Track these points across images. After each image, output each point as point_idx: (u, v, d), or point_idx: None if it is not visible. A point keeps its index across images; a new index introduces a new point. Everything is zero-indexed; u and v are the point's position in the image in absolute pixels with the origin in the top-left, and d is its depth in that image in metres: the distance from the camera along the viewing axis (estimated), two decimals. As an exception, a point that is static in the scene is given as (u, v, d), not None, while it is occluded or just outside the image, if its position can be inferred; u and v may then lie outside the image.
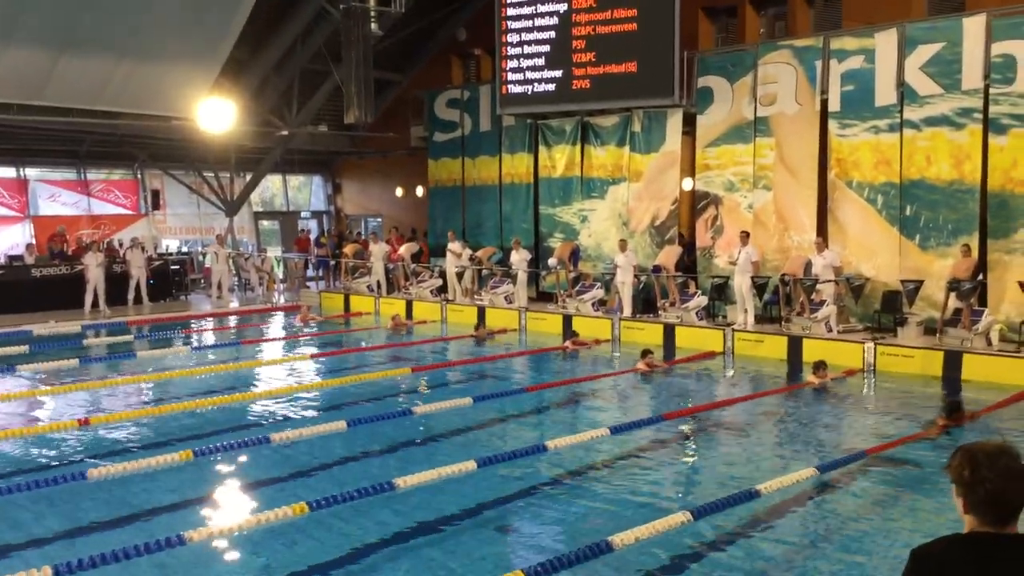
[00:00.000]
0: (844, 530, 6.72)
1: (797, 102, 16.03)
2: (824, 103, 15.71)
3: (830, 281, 14.53)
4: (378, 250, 21.54)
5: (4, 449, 8.81)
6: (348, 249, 22.26)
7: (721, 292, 16.09)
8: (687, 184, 17.82)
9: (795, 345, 13.90)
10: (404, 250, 21.17)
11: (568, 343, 14.92)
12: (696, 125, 17.45)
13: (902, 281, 14.36)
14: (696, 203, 17.65)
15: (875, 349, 13.16)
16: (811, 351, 13.23)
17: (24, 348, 14.50)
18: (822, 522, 6.96)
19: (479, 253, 19.80)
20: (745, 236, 15.65)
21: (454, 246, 19.99)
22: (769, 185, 16.46)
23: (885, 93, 14.94)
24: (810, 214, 15.98)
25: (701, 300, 15.80)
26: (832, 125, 15.59)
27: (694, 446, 9.25)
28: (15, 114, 18.34)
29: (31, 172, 23.35)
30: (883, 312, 14.69)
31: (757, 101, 16.50)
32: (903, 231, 14.82)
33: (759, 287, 15.41)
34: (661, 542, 6.25)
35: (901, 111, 14.77)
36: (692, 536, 6.42)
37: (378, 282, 20.99)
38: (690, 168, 17.77)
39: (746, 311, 15.16)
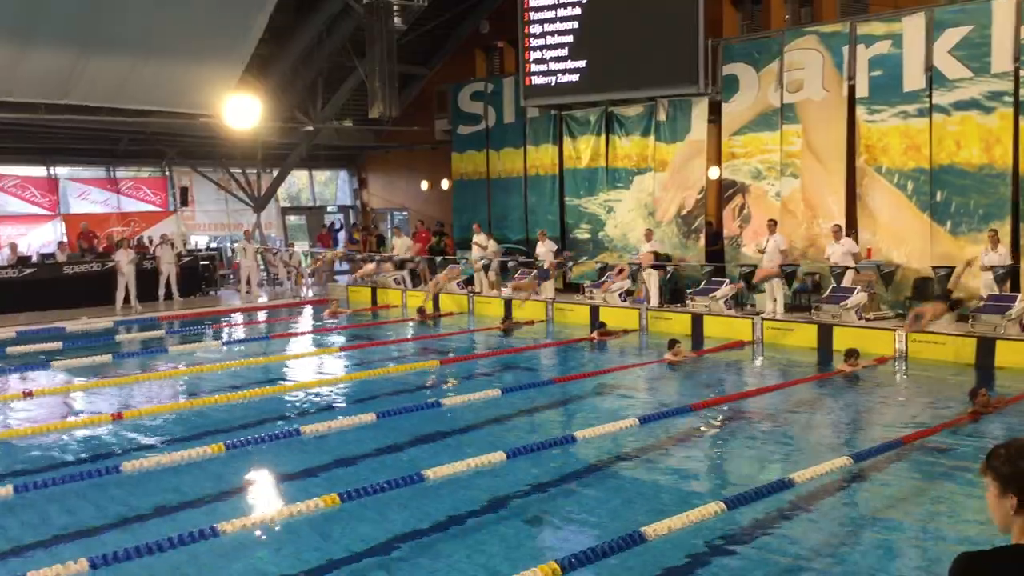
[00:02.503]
0: (878, 519, 6.66)
1: (824, 88, 15.87)
2: (852, 89, 15.54)
3: (850, 268, 14.39)
4: (401, 244, 21.66)
5: (40, 444, 8.93)
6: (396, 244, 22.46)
7: (748, 280, 15.97)
8: (713, 173, 17.70)
9: (825, 333, 13.78)
10: (399, 246, 21.81)
11: (595, 334, 14.89)
12: (721, 113, 17.32)
13: (933, 267, 14.20)
14: (723, 192, 17.53)
15: (906, 336, 13.02)
16: (842, 339, 13.11)
17: (57, 344, 14.70)
18: (856, 511, 6.91)
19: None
20: (773, 224, 15.54)
21: (479, 238, 20.01)
22: (796, 173, 16.32)
23: (913, 78, 14.75)
24: (839, 201, 15.82)
25: (729, 289, 15.70)
26: (860, 111, 15.42)
27: (725, 436, 9.20)
28: (44, 113, 18.56)
29: (61, 171, 23.63)
30: (914, 299, 14.52)
31: (783, 88, 16.35)
32: (934, 217, 14.64)
33: (788, 275, 15.29)
34: (694, 532, 6.23)
35: (930, 96, 14.58)
36: (725, 526, 6.39)
37: (404, 276, 21.07)
38: (716, 157, 17.65)
39: (775, 300, 15.06)
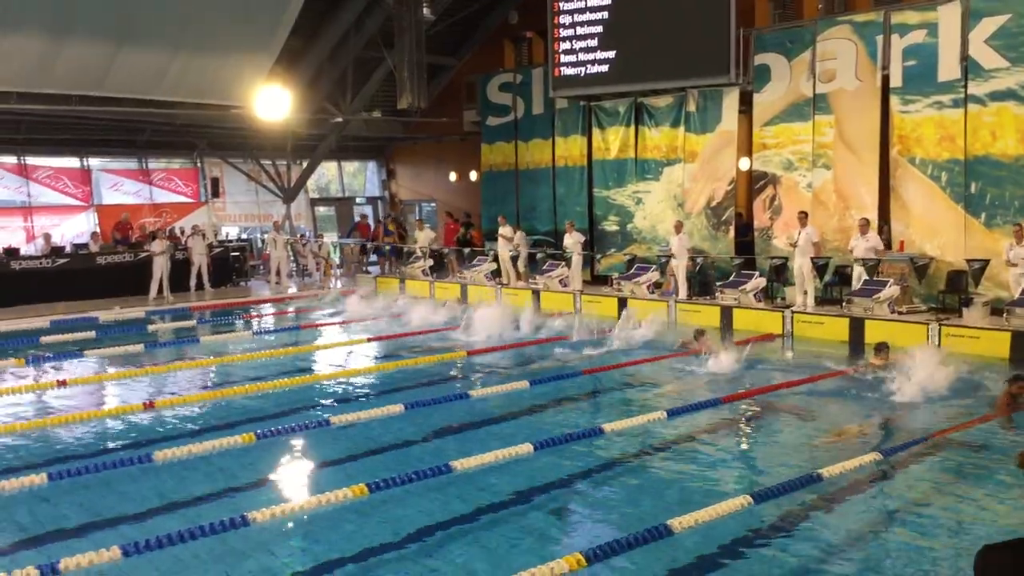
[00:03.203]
0: (908, 515, 6.59)
1: (857, 78, 15.67)
2: (885, 79, 15.34)
3: (874, 261, 14.26)
4: (423, 236, 21.76)
5: (73, 432, 9.06)
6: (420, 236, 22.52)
7: (780, 273, 15.85)
8: (744, 164, 17.56)
9: (857, 327, 13.64)
10: (422, 238, 21.71)
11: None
12: (753, 103, 17.17)
13: (967, 260, 14.00)
14: (753, 183, 17.39)
15: (940, 330, 12.85)
16: (873, 333, 12.97)
17: (91, 334, 14.90)
18: (886, 507, 6.84)
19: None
20: (804, 217, 15.37)
21: (505, 230, 20.01)
22: (829, 164, 16.15)
23: (949, 68, 14.53)
24: (871, 192, 15.64)
25: (759, 281, 15.58)
26: (894, 101, 15.22)
27: (754, 429, 9.14)
28: (77, 105, 18.79)
29: (94, 162, 23.92)
30: (948, 292, 14.34)
31: (816, 78, 16.17)
32: (968, 209, 14.43)
33: (819, 268, 15.15)
34: (721, 526, 6.20)
35: (965, 86, 14.36)
36: (753, 520, 6.36)
37: (431, 267, 21.15)
38: (747, 147, 17.50)
39: (806, 292, 14.94)
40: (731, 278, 16.14)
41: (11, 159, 22.25)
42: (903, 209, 15.22)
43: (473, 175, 24.01)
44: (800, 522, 6.40)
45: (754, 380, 11.02)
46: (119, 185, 24.19)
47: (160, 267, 19.12)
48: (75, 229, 22.72)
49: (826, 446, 8.33)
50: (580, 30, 18.68)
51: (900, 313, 13.93)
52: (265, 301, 19.66)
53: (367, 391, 10.96)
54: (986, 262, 13.64)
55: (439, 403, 9.92)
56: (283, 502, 6.90)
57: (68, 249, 20.37)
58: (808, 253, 14.91)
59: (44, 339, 14.51)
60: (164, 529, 6.13)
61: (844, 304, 14.44)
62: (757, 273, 15.91)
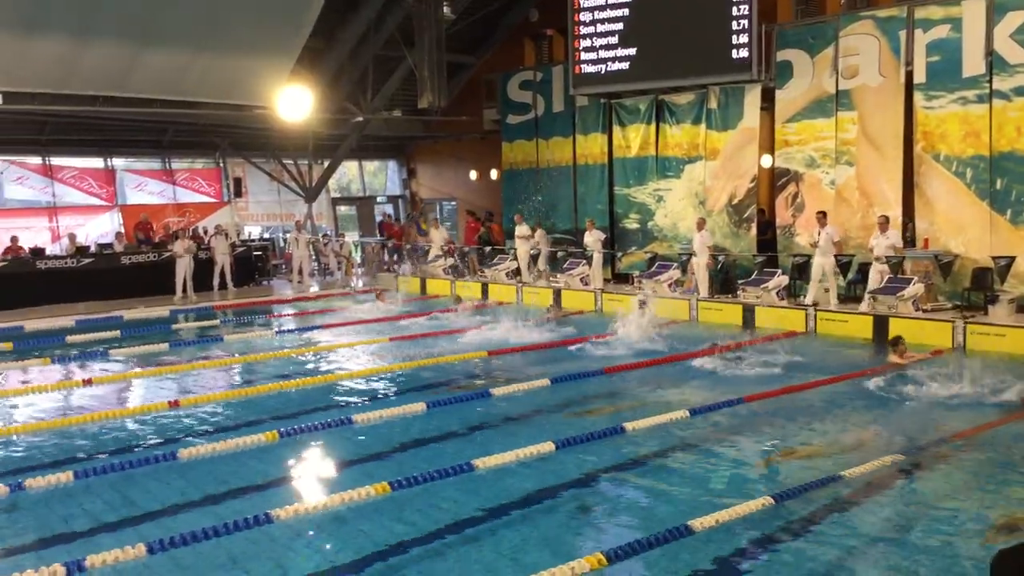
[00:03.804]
0: (930, 517, 6.52)
1: (881, 74, 15.54)
2: (909, 74, 15.20)
3: (897, 258, 14.16)
4: (438, 235, 21.84)
5: (99, 430, 9.16)
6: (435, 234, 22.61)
7: (802, 271, 15.75)
8: (766, 161, 17.46)
9: (881, 324, 13.53)
10: (436, 237, 21.88)
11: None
12: (775, 100, 17.07)
13: (993, 258, 13.86)
14: (776, 180, 17.28)
15: (965, 328, 12.73)
16: (898, 331, 12.83)
17: (116, 333, 15.05)
18: (907, 508, 6.77)
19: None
20: (822, 216, 15.32)
21: (521, 229, 20.03)
22: (852, 160, 16.03)
23: (973, 63, 14.38)
24: (895, 189, 15.51)
25: (782, 280, 15.49)
26: (918, 97, 15.08)
27: (775, 428, 9.08)
28: (101, 105, 18.98)
29: (118, 162, 24.15)
30: (973, 290, 14.20)
31: (839, 74, 16.05)
32: (993, 205, 14.28)
33: (842, 266, 15.06)
34: (742, 526, 6.18)
35: (990, 81, 14.20)
36: (774, 520, 6.33)
37: (453, 265, 21.20)
38: (769, 144, 17.40)
39: (827, 290, 14.85)
40: (753, 276, 16.05)
41: (36, 159, 22.50)
42: (927, 206, 15.08)
43: (494, 173, 24.03)
44: (821, 523, 6.36)
45: (776, 379, 10.95)
46: (143, 185, 24.40)
47: (183, 267, 19.28)
48: (99, 229, 22.95)
49: (848, 445, 8.27)
50: (600, 27, 18.63)
51: (925, 311, 13.81)
52: (287, 300, 19.73)
53: (389, 389, 11.01)
54: (1012, 259, 13.49)
55: (461, 401, 9.95)
56: (306, 500, 6.95)
57: (93, 249, 20.57)
58: (829, 252, 14.83)
59: (70, 338, 14.67)
60: (189, 526, 6.19)
61: (868, 302, 14.32)
62: (780, 271, 15.82)
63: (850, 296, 15.41)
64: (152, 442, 8.70)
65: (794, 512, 6.47)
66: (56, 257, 19.70)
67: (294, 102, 19.59)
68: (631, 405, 10.02)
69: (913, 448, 8.00)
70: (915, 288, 13.78)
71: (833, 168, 16.28)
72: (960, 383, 10.14)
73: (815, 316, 14.39)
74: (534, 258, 19.68)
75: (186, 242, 19.55)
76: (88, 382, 11.34)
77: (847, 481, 7.02)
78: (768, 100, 17.28)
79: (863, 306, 14.32)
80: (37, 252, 19.61)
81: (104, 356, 13.33)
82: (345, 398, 10.51)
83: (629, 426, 8.67)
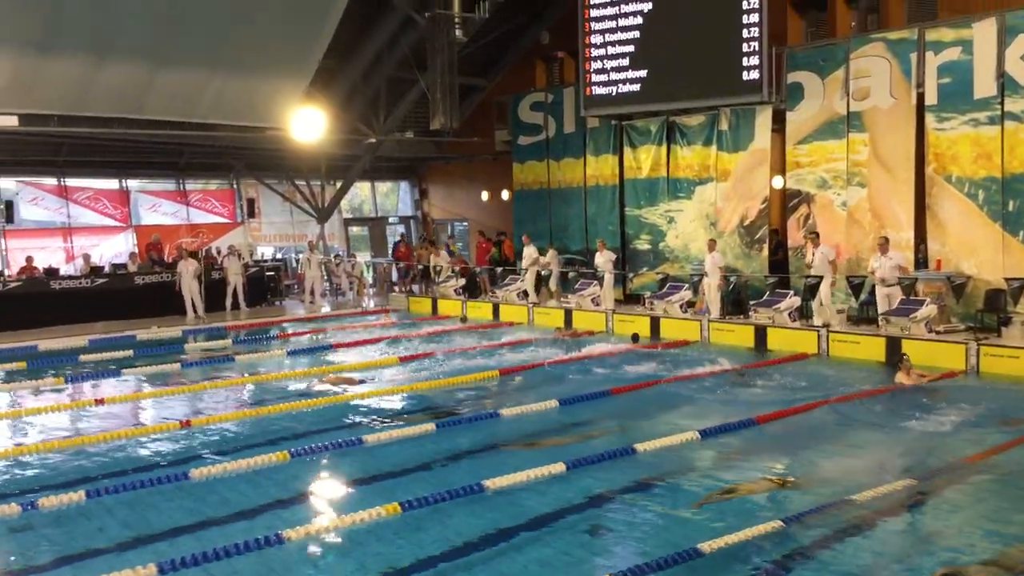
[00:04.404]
0: (942, 542, 6.47)
1: (892, 96, 15.56)
2: (920, 96, 15.21)
3: (904, 280, 14.17)
4: (442, 258, 22.04)
5: (111, 450, 9.20)
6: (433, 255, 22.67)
7: (814, 292, 15.70)
8: (777, 182, 17.47)
9: (893, 346, 13.47)
10: (443, 256, 22.25)
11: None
12: (786, 122, 17.10)
13: (1006, 279, 13.80)
14: (787, 202, 17.28)
15: (978, 350, 12.67)
16: (911, 353, 12.79)
17: (128, 353, 15.12)
18: (918, 533, 6.73)
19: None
20: (815, 237, 15.41)
21: (529, 250, 20.08)
22: (864, 182, 16.02)
23: (984, 85, 14.38)
24: (907, 211, 15.48)
25: (794, 300, 15.46)
26: (929, 119, 15.08)
27: (786, 450, 9.04)
28: (116, 127, 19.18)
29: (133, 183, 24.32)
30: (986, 311, 14.12)
31: (850, 96, 16.07)
32: (1006, 227, 14.23)
33: (854, 287, 15.03)
34: (751, 549, 6.15)
35: (1002, 103, 14.19)
36: (783, 544, 6.29)
37: (464, 286, 21.26)
38: (780, 166, 17.41)
39: (820, 304, 14.89)
40: (765, 297, 16.03)
41: (52, 181, 22.71)
42: (939, 228, 15.04)
43: (505, 194, 24.11)
44: (831, 547, 6.31)
45: (787, 401, 10.92)
46: (157, 206, 24.58)
47: (187, 287, 19.36)
48: (113, 249, 23.10)
49: (858, 469, 8.22)
50: (612, 49, 18.72)
51: (938, 332, 13.74)
52: (299, 320, 19.79)
53: (400, 410, 11.02)
54: (1025, 281, 13.44)
55: (471, 422, 9.96)
56: (317, 520, 6.95)
57: (107, 269, 20.70)
58: (826, 272, 14.85)
59: (83, 358, 14.76)
60: (200, 547, 6.21)
61: (881, 323, 14.27)
62: (792, 292, 15.79)
63: (862, 318, 15.36)
64: (164, 462, 8.74)
65: (804, 536, 6.44)
66: (70, 277, 19.83)
67: (307, 124, 19.74)
68: (640, 426, 10.00)
69: (925, 472, 7.95)
70: (928, 310, 13.73)
71: (845, 189, 16.27)
72: (974, 405, 10.09)
73: (827, 337, 14.34)
74: (544, 279, 19.70)
75: (191, 262, 19.64)
76: (100, 402, 11.40)
77: (858, 504, 6.98)
78: (779, 121, 17.31)
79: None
80: (52, 272, 19.75)
81: (117, 376, 13.39)
82: (356, 418, 10.52)
83: (640, 447, 8.66)
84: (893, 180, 15.66)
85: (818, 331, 14.51)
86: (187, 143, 22.25)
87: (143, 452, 9.15)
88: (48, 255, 21.63)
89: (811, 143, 16.70)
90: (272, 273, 23.00)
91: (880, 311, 14.45)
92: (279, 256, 26.26)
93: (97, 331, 17.26)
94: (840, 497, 7.10)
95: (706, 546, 5.99)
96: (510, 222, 23.51)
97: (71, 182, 22.97)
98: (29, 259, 20.14)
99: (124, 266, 21.02)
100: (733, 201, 17.94)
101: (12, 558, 6.37)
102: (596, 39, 18.89)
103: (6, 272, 20.14)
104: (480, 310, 19.84)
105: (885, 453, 8.87)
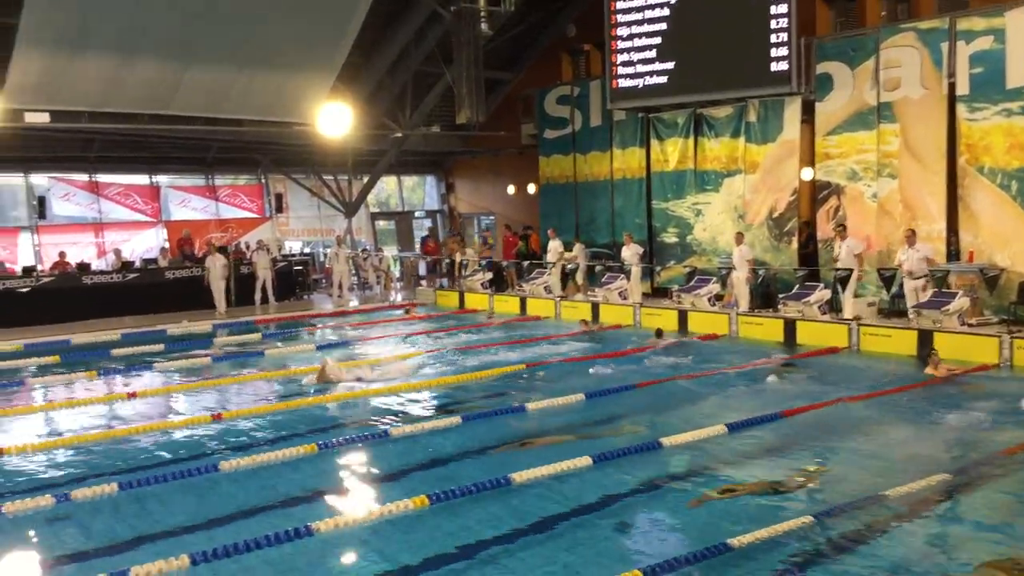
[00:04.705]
0: (976, 539, 6.39)
1: (923, 86, 15.36)
2: (952, 86, 15.00)
3: (936, 271, 13.97)
4: (472, 251, 22.10)
5: (143, 443, 9.31)
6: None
7: (845, 285, 15.55)
8: (807, 174, 17.30)
9: (925, 339, 13.32)
10: (470, 252, 22.20)
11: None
12: (815, 113, 16.94)
13: (1041, 271, 13.61)
14: (817, 193, 17.13)
15: (1012, 343, 12.48)
16: (943, 345, 12.65)
17: (160, 347, 15.29)
18: (952, 530, 6.65)
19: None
20: (842, 229, 15.28)
21: (555, 244, 20.05)
22: (894, 173, 15.84)
23: (1017, 74, 14.15)
24: (939, 202, 15.29)
25: (824, 293, 15.32)
26: (961, 109, 14.88)
27: (816, 445, 8.96)
28: (146, 123, 19.36)
29: (162, 179, 24.56)
30: (1020, 303, 13.92)
31: (880, 86, 15.89)
32: (1041, 218, 14.03)
33: (885, 280, 14.87)
34: (781, 544, 6.11)
35: (1036, 92, 13.98)
36: (814, 539, 6.24)
37: (491, 280, 21.28)
38: (809, 157, 17.25)
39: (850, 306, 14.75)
40: (794, 290, 15.90)
41: (83, 176, 22.98)
42: (972, 219, 14.85)
43: (531, 188, 24.09)
44: (863, 543, 6.25)
45: (816, 395, 10.82)
46: (187, 201, 24.80)
47: (215, 282, 19.52)
48: (144, 244, 23.35)
49: (891, 464, 8.14)
50: (638, 41, 18.63)
51: (970, 325, 13.57)
52: (327, 314, 19.89)
53: (426, 403, 11.06)
54: (1060, 273, 13.23)
55: (498, 415, 9.97)
56: (345, 512, 6.99)
57: (138, 264, 20.93)
58: (852, 265, 14.72)
59: (115, 352, 14.94)
60: (230, 538, 6.26)
61: (912, 316, 14.11)
62: (822, 285, 15.64)
63: (894, 311, 15.20)
64: (194, 454, 8.82)
65: (835, 531, 6.38)
66: (102, 272, 20.08)
67: (334, 119, 19.82)
68: (667, 420, 9.97)
69: (958, 466, 7.85)
70: (960, 302, 13.56)
71: (875, 181, 16.09)
72: (1008, 398, 9.96)
73: (858, 331, 14.20)
74: (571, 273, 19.67)
75: (219, 257, 19.80)
76: (132, 395, 11.54)
77: (890, 500, 6.91)
78: (808, 113, 17.15)
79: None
80: (83, 267, 20.01)
81: (148, 369, 13.54)
82: (383, 411, 10.56)
83: (666, 441, 8.62)
84: (924, 171, 15.47)
85: (849, 325, 14.37)
86: (215, 139, 22.43)
87: (174, 444, 9.24)
88: (80, 250, 21.90)
89: (841, 134, 16.54)
90: (300, 267, 23.15)
91: (909, 304, 14.30)
92: (307, 250, 26.41)
93: (128, 325, 17.46)
94: (873, 492, 7.03)
95: (736, 541, 5.95)
96: (536, 216, 23.49)
97: (102, 178, 23.24)
98: (62, 254, 20.41)
99: (155, 261, 21.25)
100: (762, 193, 17.81)
101: (45, 549, 6.46)
102: (622, 31, 18.80)
103: (39, 267, 20.42)
104: (507, 304, 19.86)
105: (918, 447, 8.77)
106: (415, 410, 10.66)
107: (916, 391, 11.02)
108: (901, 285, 14.89)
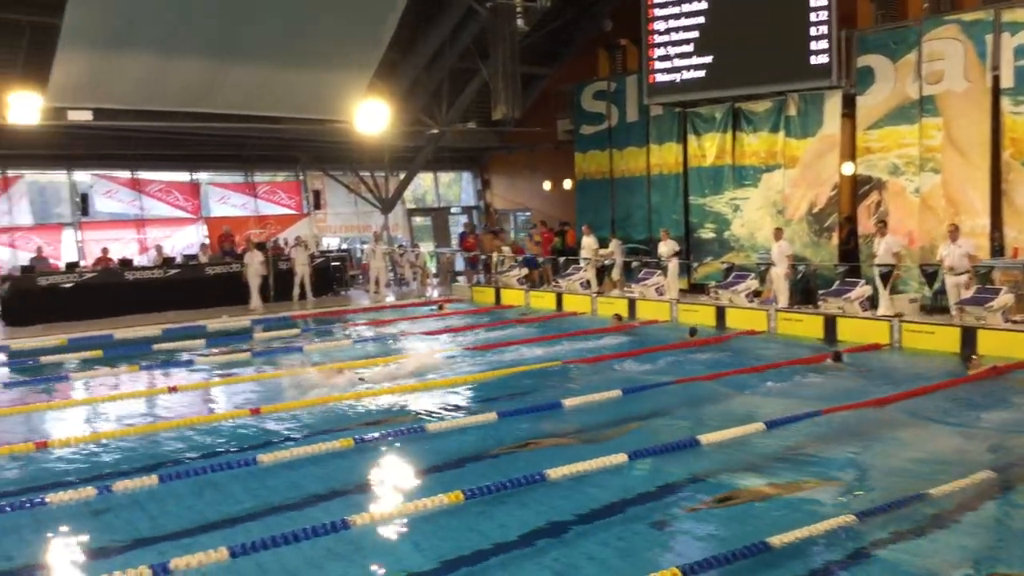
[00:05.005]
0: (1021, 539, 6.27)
1: (966, 79, 15.08)
2: (996, 79, 14.72)
3: (966, 272, 13.73)
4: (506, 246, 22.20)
5: (183, 436, 9.42)
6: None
7: (886, 281, 15.33)
8: (847, 169, 17.07)
9: (968, 336, 13.08)
10: (506, 249, 22.26)
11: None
12: (856, 106, 16.70)
13: (1088, 267, 13.30)
14: (857, 188, 16.89)
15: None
16: (986, 343, 12.41)
17: (200, 342, 15.47)
18: (998, 530, 6.52)
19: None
20: (883, 226, 15.08)
21: (588, 240, 19.99)
22: (937, 168, 15.57)
23: (1066, 66, 13.86)
24: (983, 197, 15.02)
25: (865, 290, 15.11)
26: (1005, 102, 14.59)
27: (856, 443, 8.84)
28: (186, 121, 19.60)
29: (202, 176, 24.85)
30: (1065, 301, 13.64)
31: (922, 79, 15.63)
32: (1089, 213, 13.71)
33: (928, 276, 14.64)
34: (821, 544, 6.03)
35: (1084, 85, 13.67)
36: (854, 539, 6.15)
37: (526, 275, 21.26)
38: (850, 152, 17.02)
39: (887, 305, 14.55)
40: (835, 286, 15.70)
41: (125, 174, 23.31)
42: (1016, 214, 14.55)
43: (567, 183, 24.03)
44: (905, 542, 6.16)
45: (857, 392, 10.67)
46: (226, 198, 25.07)
47: (252, 277, 19.71)
48: (185, 240, 23.64)
49: (933, 462, 8.01)
50: (675, 36, 18.50)
51: (1014, 322, 13.30)
52: (364, 310, 20.00)
53: (462, 399, 11.08)
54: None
55: (533, 411, 9.96)
56: (381, 507, 7.03)
57: (178, 260, 21.20)
58: (888, 263, 14.55)
59: (156, 347, 15.15)
60: (269, 530, 6.32)
61: (955, 312, 13.87)
62: (863, 281, 15.43)
63: (936, 307, 14.95)
64: (234, 448, 8.92)
65: (877, 531, 6.29)
66: (144, 268, 20.37)
67: (371, 116, 19.91)
68: (704, 417, 9.89)
69: (1004, 465, 7.70)
70: (1004, 299, 13.29)
71: (918, 176, 15.84)
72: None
73: (899, 328, 13.99)
74: (607, 269, 19.59)
75: (256, 254, 19.99)
76: (173, 389, 11.69)
77: (933, 499, 6.79)
78: (849, 106, 16.92)
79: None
80: (126, 263, 20.30)
81: (189, 364, 13.72)
82: (418, 406, 10.59)
83: (703, 438, 8.55)
84: (968, 166, 15.19)
85: (890, 321, 14.16)
86: (254, 136, 22.64)
87: (214, 438, 9.34)
88: (122, 246, 22.22)
89: (882, 128, 16.30)
90: (338, 263, 23.30)
91: (951, 300, 14.06)
92: (344, 246, 26.58)
93: (169, 320, 17.69)
94: (915, 491, 6.91)
95: (776, 540, 5.88)
96: (572, 212, 23.43)
97: (143, 175, 23.56)
98: (104, 250, 20.73)
99: (195, 257, 21.51)
100: (801, 188, 17.61)
101: (87, 540, 6.56)
102: (659, 25, 18.68)
103: (82, 263, 20.77)
104: (543, 300, 19.83)
105: (962, 445, 8.61)
106: (451, 406, 10.68)
107: (958, 387, 10.83)
108: (944, 281, 14.65)
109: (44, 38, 17.24)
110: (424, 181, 29.31)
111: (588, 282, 19.71)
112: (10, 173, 21.62)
